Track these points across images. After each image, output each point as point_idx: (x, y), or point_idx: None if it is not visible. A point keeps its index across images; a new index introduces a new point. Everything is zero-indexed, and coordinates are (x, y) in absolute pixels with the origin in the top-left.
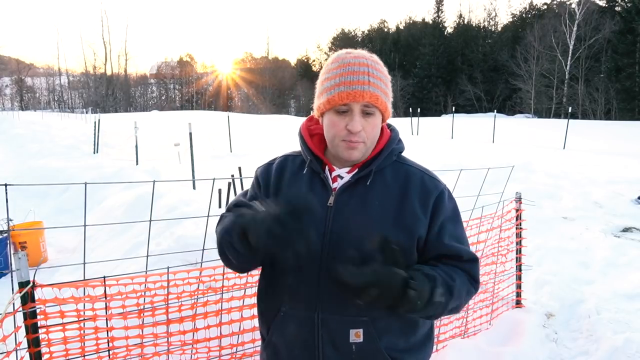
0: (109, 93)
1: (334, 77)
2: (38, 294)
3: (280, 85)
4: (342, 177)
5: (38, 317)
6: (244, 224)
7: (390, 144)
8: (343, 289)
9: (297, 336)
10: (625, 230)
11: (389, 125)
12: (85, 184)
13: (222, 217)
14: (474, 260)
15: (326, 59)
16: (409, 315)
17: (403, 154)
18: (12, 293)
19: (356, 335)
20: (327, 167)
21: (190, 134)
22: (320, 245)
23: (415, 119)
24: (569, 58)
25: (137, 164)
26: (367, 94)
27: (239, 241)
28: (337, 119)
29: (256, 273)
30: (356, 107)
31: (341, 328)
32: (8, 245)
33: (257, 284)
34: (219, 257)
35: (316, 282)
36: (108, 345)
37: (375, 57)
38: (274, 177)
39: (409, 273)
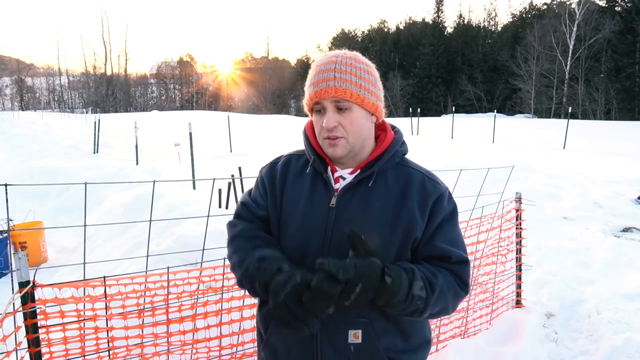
0: (109, 93)
1: (309, 79)
2: (38, 294)
3: (280, 85)
4: (344, 178)
5: (38, 317)
6: (268, 284)
7: (393, 146)
8: (328, 291)
9: (295, 336)
10: (625, 230)
11: (393, 127)
12: (85, 184)
13: (232, 225)
14: (463, 262)
15: None
16: (406, 317)
17: (406, 156)
18: (12, 293)
19: (355, 336)
20: (329, 168)
21: (190, 134)
22: (322, 246)
23: (415, 119)
24: (569, 58)
25: (137, 164)
26: (333, 89)
27: (262, 293)
28: (316, 118)
29: None
30: (328, 104)
31: (340, 329)
32: (8, 245)
33: None
34: (218, 258)
35: None
36: (108, 345)
37: (352, 54)
38: (279, 176)
39: (385, 264)
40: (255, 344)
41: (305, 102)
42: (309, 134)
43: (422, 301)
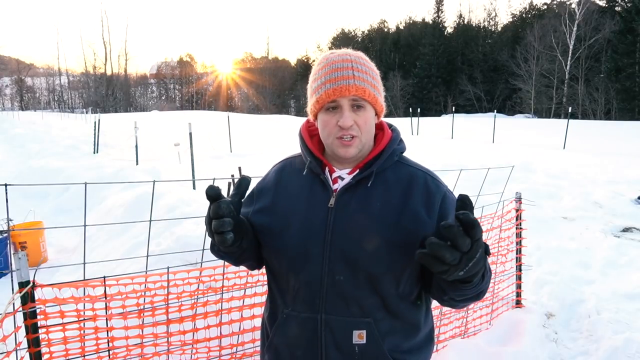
0: (109, 93)
1: (320, 77)
2: (38, 294)
3: (280, 85)
4: (342, 179)
5: (38, 317)
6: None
7: (391, 145)
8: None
9: (299, 338)
10: (625, 230)
11: (390, 126)
12: (85, 184)
13: None
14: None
15: None
16: (411, 317)
17: (404, 154)
18: (12, 293)
19: (359, 337)
20: (327, 169)
21: (190, 134)
22: (322, 246)
23: (415, 119)
24: (569, 58)
25: (137, 164)
26: (353, 87)
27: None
28: (328, 117)
29: (256, 273)
30: (344, 102)
31: (344, 329)
32: (8, 245)
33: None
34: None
35: (319, 283)
36: (108, 345)
37: (360, 54)
38: (272, 184)
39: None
40: (255, 344)
41: (315, 100)
42: (305, 136)
43: (487, 283)
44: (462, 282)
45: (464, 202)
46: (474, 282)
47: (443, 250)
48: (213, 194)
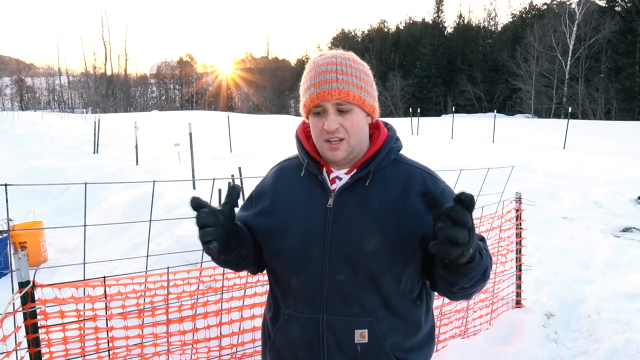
0: (109, 93)
1: (306, 81)
2: (38, 294)
3: (280, 85)
4: (340, 179)
5: (38, 317)
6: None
7: (387, 143)
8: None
9: (301, 338)
10: (625, 230)
11: (386, 124)
12: (85, 184)
13: None
14: (484, 239)
15: None
16: (412, 315)
17: (401, 152)
18: (12, 293)
19: (361, 336)
20: (324, 169)
21: (190, 134)
22: (322, 247)
23: (415, 119)
24: (569, 58)
25: (137, 164)
26: (336, 91)
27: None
28: (316, 120)
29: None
30: (329, 107)
31: (346, 329)
32: (8, 245)
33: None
34: None
35: (319, 283)
36: (108, 345)
37: (348, 55)
38: (271, 186)
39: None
40: (255, 344)
41: (302, 104)
42: (301, 137)
43: (488, 254)
44: (469, 262)
45: (434, 201)
46: (477, 259)
47: (455, 231)
48: (194, 204)
